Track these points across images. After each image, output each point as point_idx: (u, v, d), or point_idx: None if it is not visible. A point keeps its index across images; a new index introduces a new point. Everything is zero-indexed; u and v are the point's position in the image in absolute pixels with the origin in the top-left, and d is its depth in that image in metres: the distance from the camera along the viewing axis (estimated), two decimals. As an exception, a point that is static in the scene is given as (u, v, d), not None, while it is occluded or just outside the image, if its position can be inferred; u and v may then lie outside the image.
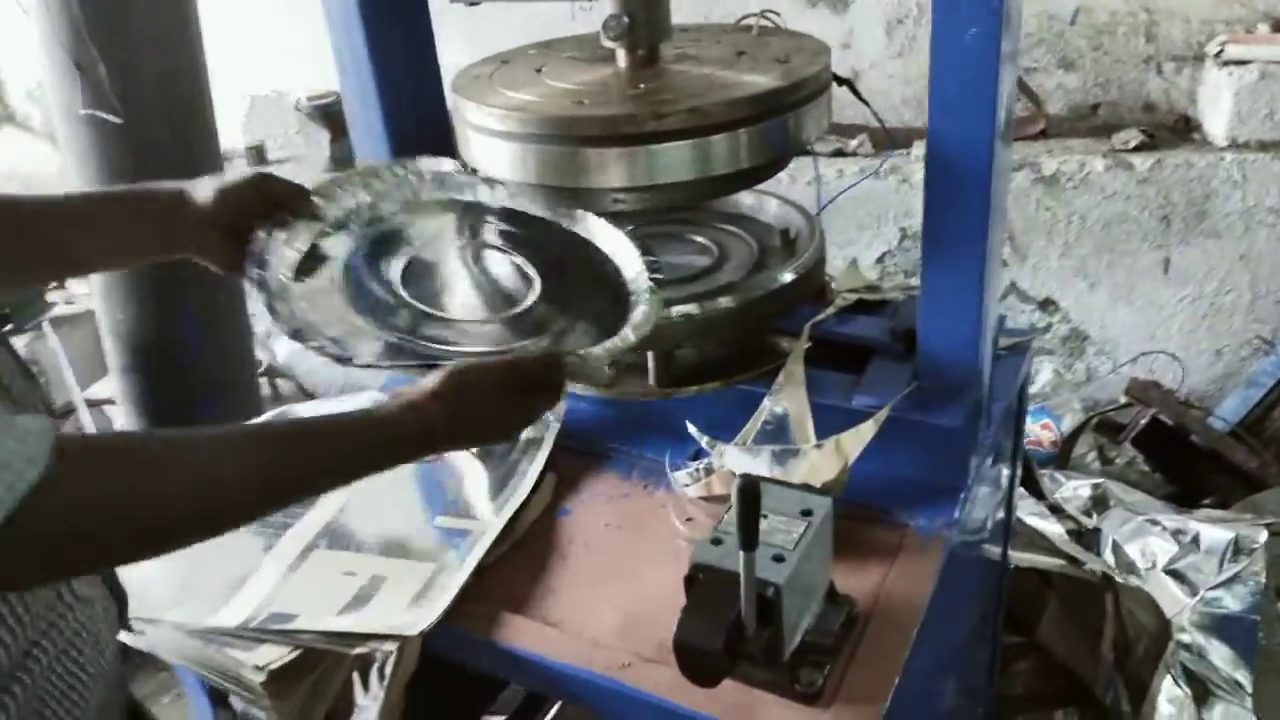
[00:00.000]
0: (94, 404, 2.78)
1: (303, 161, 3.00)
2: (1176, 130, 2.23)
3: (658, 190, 1.05)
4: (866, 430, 1.07)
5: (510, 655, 1.01)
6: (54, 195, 1.01)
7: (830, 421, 1.09)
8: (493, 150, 1.09)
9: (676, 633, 0.85)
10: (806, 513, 0.94)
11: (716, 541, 0.92)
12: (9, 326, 2.97)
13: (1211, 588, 1.58)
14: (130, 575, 0.97)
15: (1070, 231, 2.21)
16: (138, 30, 1.68)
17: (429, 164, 1.13)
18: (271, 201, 1.02)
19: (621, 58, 1.13)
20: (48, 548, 0.67)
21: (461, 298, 1.08)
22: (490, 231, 1.11)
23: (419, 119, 1.34)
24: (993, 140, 0.96)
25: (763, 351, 1.19)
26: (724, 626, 0.84)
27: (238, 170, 0.99)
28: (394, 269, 1.05)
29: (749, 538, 0.80)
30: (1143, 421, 2.01)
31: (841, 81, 1.26)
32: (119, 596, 0.94)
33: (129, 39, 1.67)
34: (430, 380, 0.91)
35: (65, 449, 0.67)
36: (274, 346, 2.93)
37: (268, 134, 3.14)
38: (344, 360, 0.95)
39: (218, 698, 1.28)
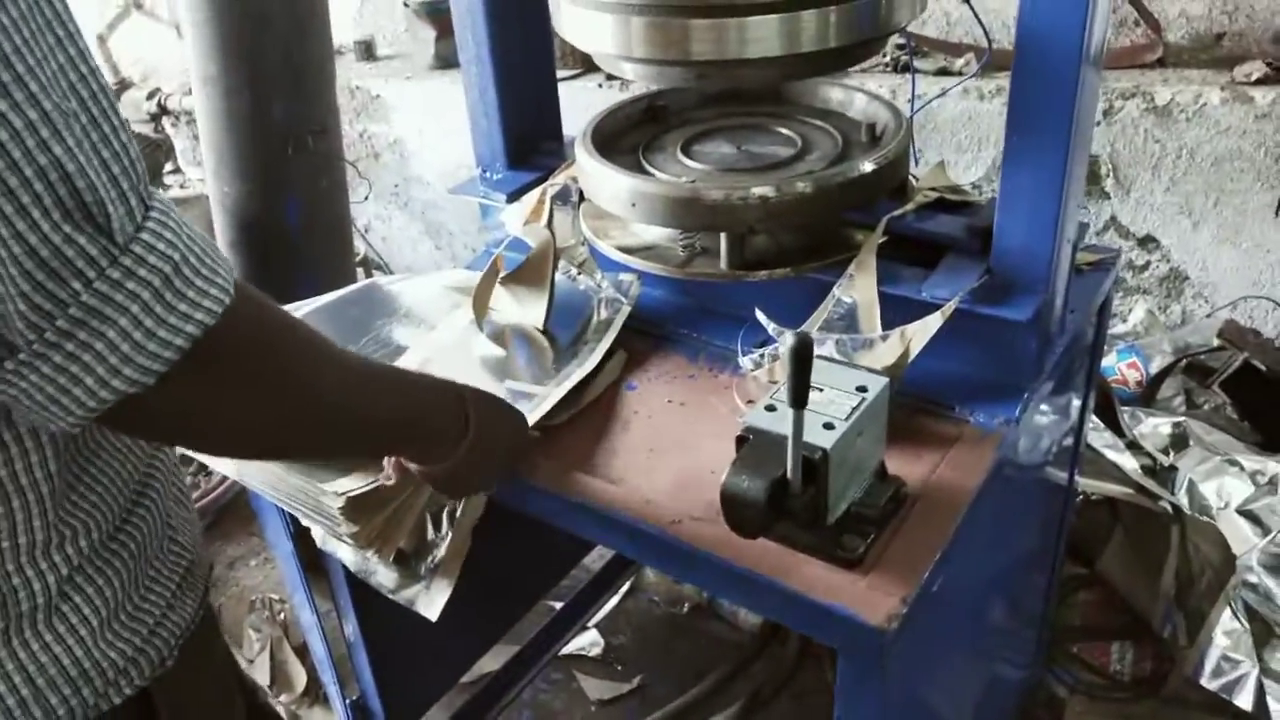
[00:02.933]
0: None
1: (410, 59, 3.06)
2: (1307, 67, 2.12)
3: (746, 66, 1.05)
4: (933, 321, 1.07)
5: (570, 505, 1.07)
6: None
7: (900, 312, 1.10)
8: (585, 21, 1.11)
9: (723, 484, 0.89)
10: (861, 389, 0.96)
11: (770, 409, 0.95)
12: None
13: (1284, 528, 1.55)
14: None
15: (1178, 166, 2.12)
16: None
17: None
18: None
19: (717, -65, 1.13)
20: (222, 380, 0.67)
21: None
22: None
23: (521, 5, 1.38)
24: (1083, 31, 0.94)
25: (838, 242, 1.20)
26: (769, 481, 0.87)
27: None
28: None
29: (798, 395, 0.83)
30: (1234, 365, 1.95)
31: (942, -24, 1.24)
32: None
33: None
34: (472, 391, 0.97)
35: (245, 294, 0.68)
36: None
37: (377, 29, 3.20)
38: None
39: (299, 540, 1.38)
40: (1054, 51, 0.97)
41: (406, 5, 2.87)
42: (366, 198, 3.10)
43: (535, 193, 1.39)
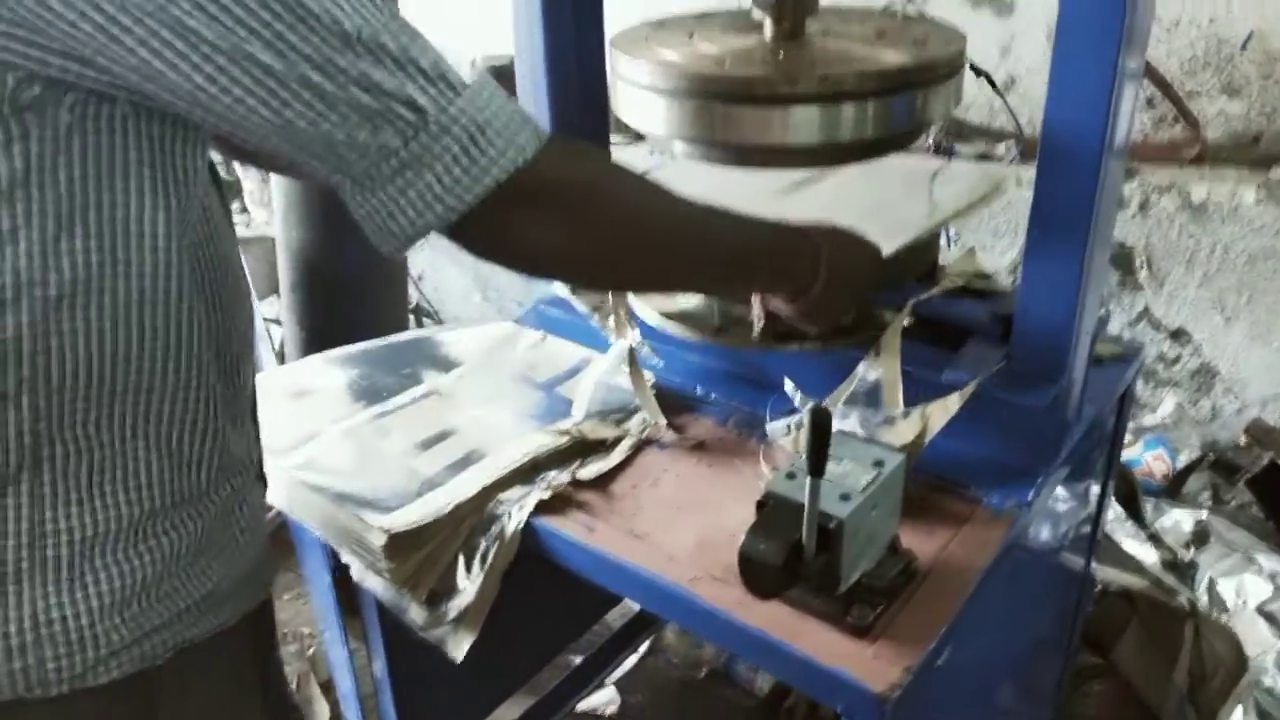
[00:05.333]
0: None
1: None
2: (1344, 173, 2.16)
3: (788, 152, 1.12)
4: (952, 402, 1.12)
5: (595, 557, 1.12)
6: None
7: (921, 392, 1.15)
8: (639, 101, 1.18)
9: (741, 546, 0.94)
10: (878, 463, 1.00)
11: (791, 476, 0.99)
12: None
13: (1301, 631, 1.56)
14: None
15: (1212, 262, 2.16)
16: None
17: None
18: None
19: (768, 28, 1.21)
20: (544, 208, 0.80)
21: None
22: None
23: (582, 81, 1.46)
24: (1106, 128, 1.00)
25: (867, 320, 1.26)
26: (785, 546, 0.92)
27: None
28: None
29: (816, 464, 0.88)
30: (1261, 464, 1.97)
31: (979, 73, 1.31)
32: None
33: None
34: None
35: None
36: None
37: (441, 89, 3.33)
38: None
39: (338, 577, 1.44)
40: (1077, 148, 1.02)
41: (474, 67, 2.99)
42: (421, 249, 3.20)
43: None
